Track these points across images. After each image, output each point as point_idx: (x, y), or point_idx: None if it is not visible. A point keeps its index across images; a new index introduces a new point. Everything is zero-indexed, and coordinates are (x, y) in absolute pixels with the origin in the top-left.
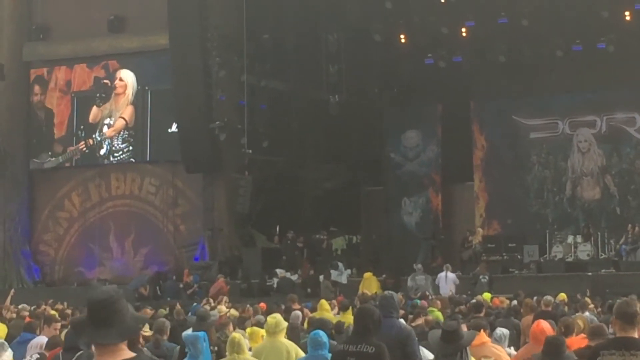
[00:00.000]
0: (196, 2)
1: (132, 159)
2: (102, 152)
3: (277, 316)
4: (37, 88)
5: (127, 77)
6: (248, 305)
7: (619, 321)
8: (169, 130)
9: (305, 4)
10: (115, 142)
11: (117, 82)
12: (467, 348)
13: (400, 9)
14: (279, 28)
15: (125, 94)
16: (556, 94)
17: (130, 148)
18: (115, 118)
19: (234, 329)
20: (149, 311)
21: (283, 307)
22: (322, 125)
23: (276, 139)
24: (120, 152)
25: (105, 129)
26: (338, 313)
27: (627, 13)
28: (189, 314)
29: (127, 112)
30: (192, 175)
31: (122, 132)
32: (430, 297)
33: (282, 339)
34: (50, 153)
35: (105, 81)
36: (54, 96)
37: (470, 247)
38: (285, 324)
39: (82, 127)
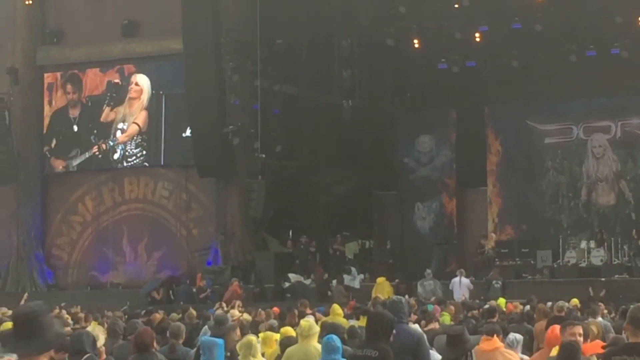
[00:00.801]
0: (210, 7)
1: (146, 163)
2: (116, 156)
3: (310, 320)
4: (50, 92)
5: (143, 82)
6: (260, 310)
7: (631, 326)
8: (183, 135)
9: (318, 8)
10: (128, 147)
11: (132, 86)
12: (472, 352)
13: (413, 13)
14: (292, 33)
15: (140, 99)
16: (570, 99)
17: (144, 152)
18: (128, 123)
19: (247, 333)
20: (158, 316)
21: (296, 311)
22: (335, 129)
23: (289, 143)
24: (134, 157)
25: (118, 133)
26: (351, 317)
27: None
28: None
29: (141, 117)
30: (205, 179)
31: (135, 137)
32: (445, 302)
33: (315, 343)
34: (76, 152)
35: (116, 81)
36: (68, 100)
37: (483, 252)
38: (318, 328)
39: (95, 131)
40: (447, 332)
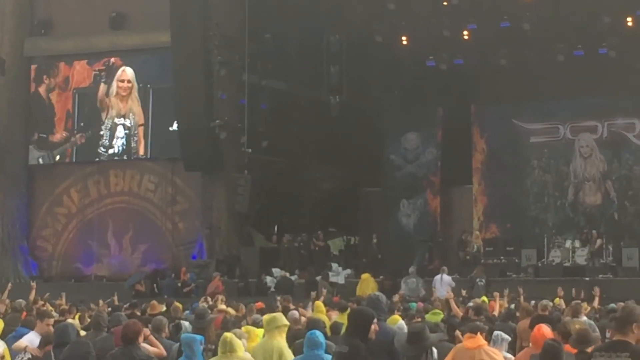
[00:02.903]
0: (198, 1)
1: (132, 156)
2: (102, 149)
3: (276, 315)
4: (36, 83)
5: (130, 75)
6: (241, 305)
7: (615, 326)
8: (170, 129)
9: (307, 4)
10: (116, 140)
11: (123, 84)
12: (432, 348)
13: (402, 10)
14: (280, 28)
15: (132, 94)
16: (557, 98)
17: (133, 145)
18: (125, 118)
19: (231, 327)
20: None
21: (280, 307)
22: (322, 126)
23: (276, 138)
24: (120, 149)
25: (120, 130)
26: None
27: (629, 19)
28: (188, 312)
29: (138, 109)
30: (191, 173)
31: (129, 130)
32: (430, 300)
33: (279, 338)
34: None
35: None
36: (54, 92)
37: (466, 249)
38: (284, 322)
39: (82, 124)
40: (408, 330)
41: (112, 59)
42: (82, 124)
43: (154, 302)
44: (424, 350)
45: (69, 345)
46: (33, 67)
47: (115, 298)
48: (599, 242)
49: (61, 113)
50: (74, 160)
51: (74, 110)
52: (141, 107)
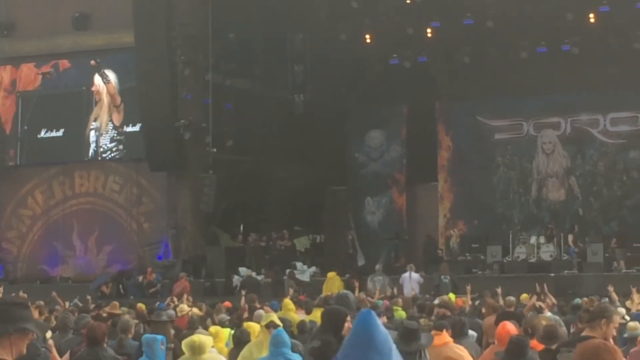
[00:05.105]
0: (162, 1)
1: (98, 157)
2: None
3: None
4: None
5: (99, 83)
6: (204, 304)
7: (586, 318)
8: (134, 129)
9: (271, 3)
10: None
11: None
12: (426, 350)
13: (366, 9)
14: (244, 27)
15: (101, 100)
16: (521, 95)
17: (120, 146)
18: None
19: (197, 328)
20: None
21: (247, 306)
22: (287, 124)
23: (241, 138)
24: (109, 151)
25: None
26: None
27: (591, 15)
28: (155, 313)
29: (106, 116)
30: (156, 173)
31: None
32: (393, 297)
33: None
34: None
35: (48, 71)
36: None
37: (436, 249)
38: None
39: (25, 127)
40: (403, 325)
41: (61, 62)
42: (25, 127)
43: (115, 302)
44: (419, 349)
45: None
46: None
47: (77, 301)
48: (570, 237)
49: (5, 117)
50: (17, 163)
51: (18, 114)
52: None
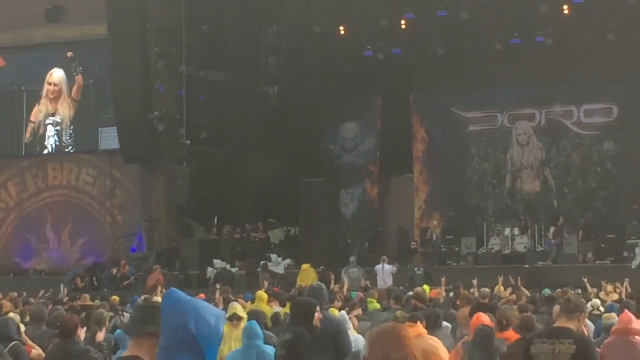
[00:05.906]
0: None
1: (70, 149)
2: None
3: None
4: None
5: (57, 78)
6: None
7: (564, 308)
8: (107, 120)
9: None
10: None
11: (50, 87)
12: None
13: (339, 0)
14: (218, 19)
15: (62, 97)
16: (495, 87)
17: (69, 138)
18: (56, 118)
19: None
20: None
21: (221, 298)
22: (260, 116)
23: (215, 130)
24: (57, 141)
25: (50, 128)
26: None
27: (565, 7)
28: (128, 305)
29: (67, 111)
30: (130, 165)
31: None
32: (368, 289)
33: None
34: None
35: None
36: None
37: (411, 241)
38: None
39: None
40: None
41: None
42: None
43: (86, 295)
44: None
45: None
46: None
47: (42, 292)
48: (552, 229)
49: None
50: None
51: None
52: (70, 105)
